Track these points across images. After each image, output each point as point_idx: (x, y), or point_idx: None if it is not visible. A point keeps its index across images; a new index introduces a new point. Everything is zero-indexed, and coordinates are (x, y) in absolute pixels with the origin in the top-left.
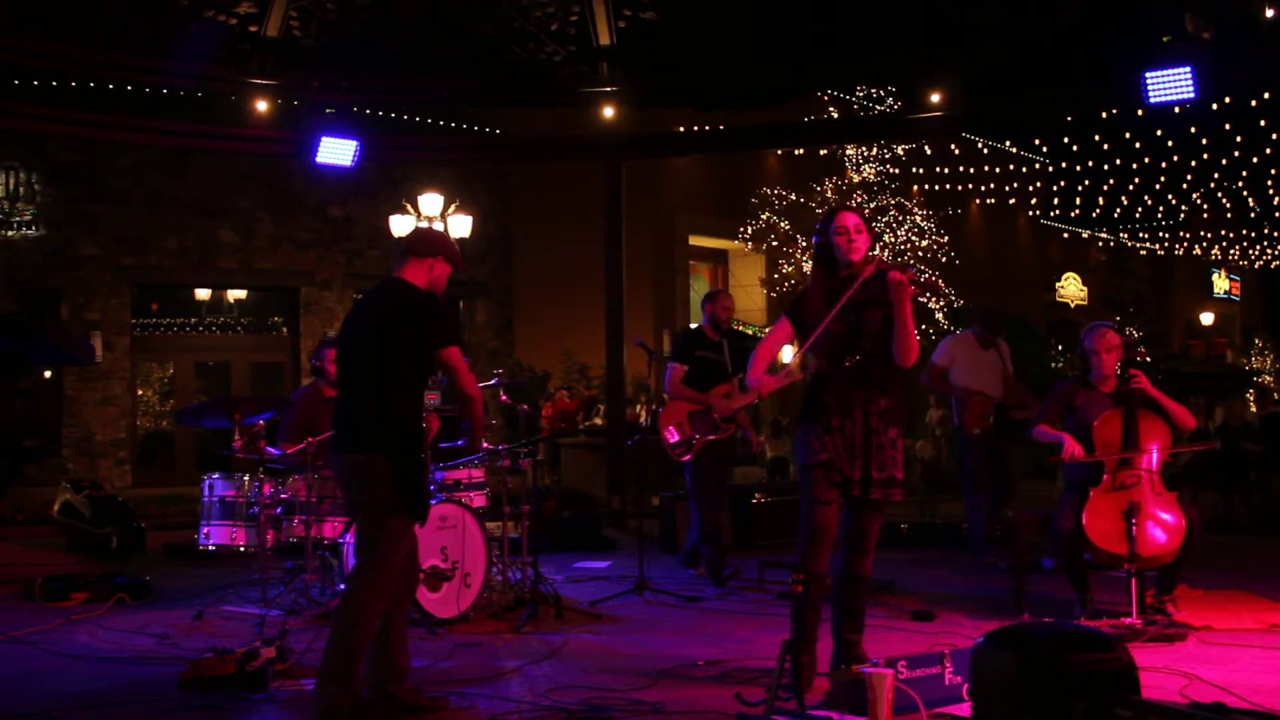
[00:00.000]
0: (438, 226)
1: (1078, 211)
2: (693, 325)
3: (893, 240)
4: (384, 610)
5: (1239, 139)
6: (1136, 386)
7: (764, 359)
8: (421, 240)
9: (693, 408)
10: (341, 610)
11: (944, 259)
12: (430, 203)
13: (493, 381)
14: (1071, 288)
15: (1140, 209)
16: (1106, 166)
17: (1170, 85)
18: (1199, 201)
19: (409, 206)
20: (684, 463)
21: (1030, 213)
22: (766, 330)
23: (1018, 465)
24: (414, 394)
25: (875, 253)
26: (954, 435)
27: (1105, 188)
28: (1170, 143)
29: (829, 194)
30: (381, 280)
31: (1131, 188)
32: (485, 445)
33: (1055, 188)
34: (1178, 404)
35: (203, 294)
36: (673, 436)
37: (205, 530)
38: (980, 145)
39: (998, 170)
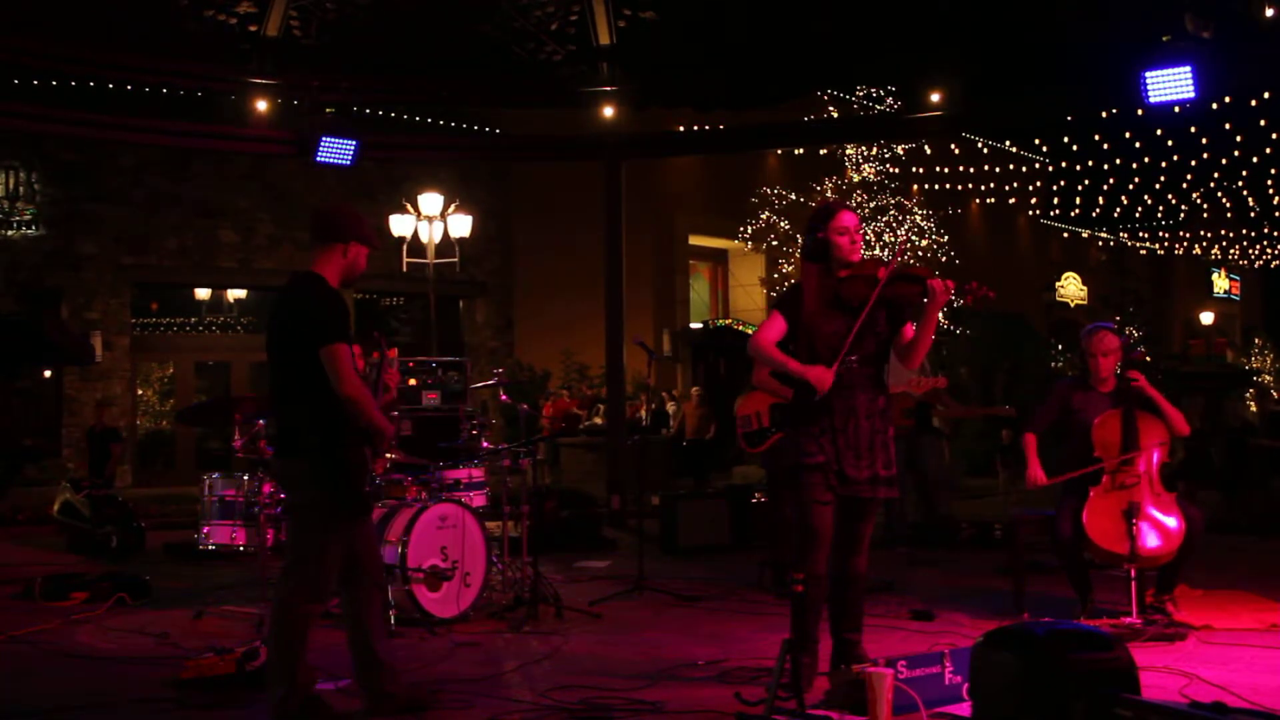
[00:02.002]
0: (438, 226)
1: (1078, 211)
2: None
3: (893, 240)
4: (315, 611)
5: (1239, 139)
6: (1135, 386)
7: (773, 353)
8: (329, 225)
9: (775, 400)
10: (273, 613)
11: (944, 259)
12: (430, 203)
13: (492, 381)
14: (1071, 288)
15: (1140, 209)
16: (1106, 166)
17: (1170, 85)
18: (1199, 201)
19: (409, 206)
20: (758, 454)
21: (1030, 213)
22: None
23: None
24: (323, 394)
25: (877, 253)
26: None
27: (1105, 188)
28: (1170, 143)
29: (829, 194)
30: (295, 275)
31: (1131, 188)
32: (484, 446)
33: (1055, 188)
34: (1174, 409)
35: (203, 294)
36: (749, 426)
37: (205, 530)
38: (980, 145)
39: (998, 170)
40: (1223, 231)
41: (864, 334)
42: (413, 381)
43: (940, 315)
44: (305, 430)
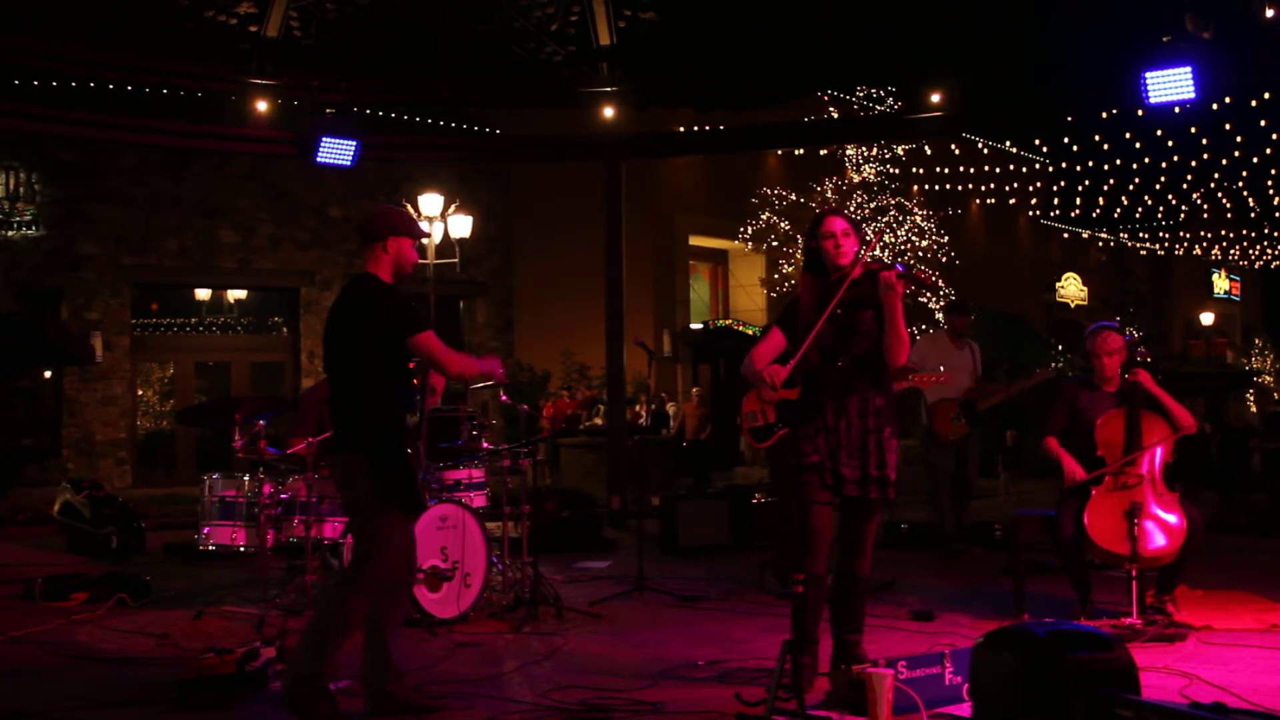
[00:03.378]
0: (438, 227)
1: (1078, 211)
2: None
3: (893, 240)
4: (367, 609)
5: (1239, 139)
6: (1134, 380)
7: (763, 361)
8: (371, 225)
9: (783, 395)
10: (321, 603)
11: (944, 259)
12: (430, 203)
13: (492, 382)
14: (1071, 288)
15: (1140, 209)
16: (1106, 166)
17: (1170, 85)
18: (1199, 201)
19: (409, 206)
20: (765, 449)
21: (1030, 213)
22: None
23: (982, 464)
24: (387, 391)
25: (863, 252)
26: (922, 432)
27: (1105, 188)
28: (1170, 143)
29: (829, 194)
30: (351, 277)
31: (1131, 188)
32: (485, 446)
33: (1055, 188)
34: (1180, 405)
35: (203, 294)
36: (755, 421)
37: (205, 530)
38: (980, 145)
39: (998, 170)
40: (1223, 232)
41: (849, 333)
42: (414, 381)
43: (940, 315)
44: (364, 427)
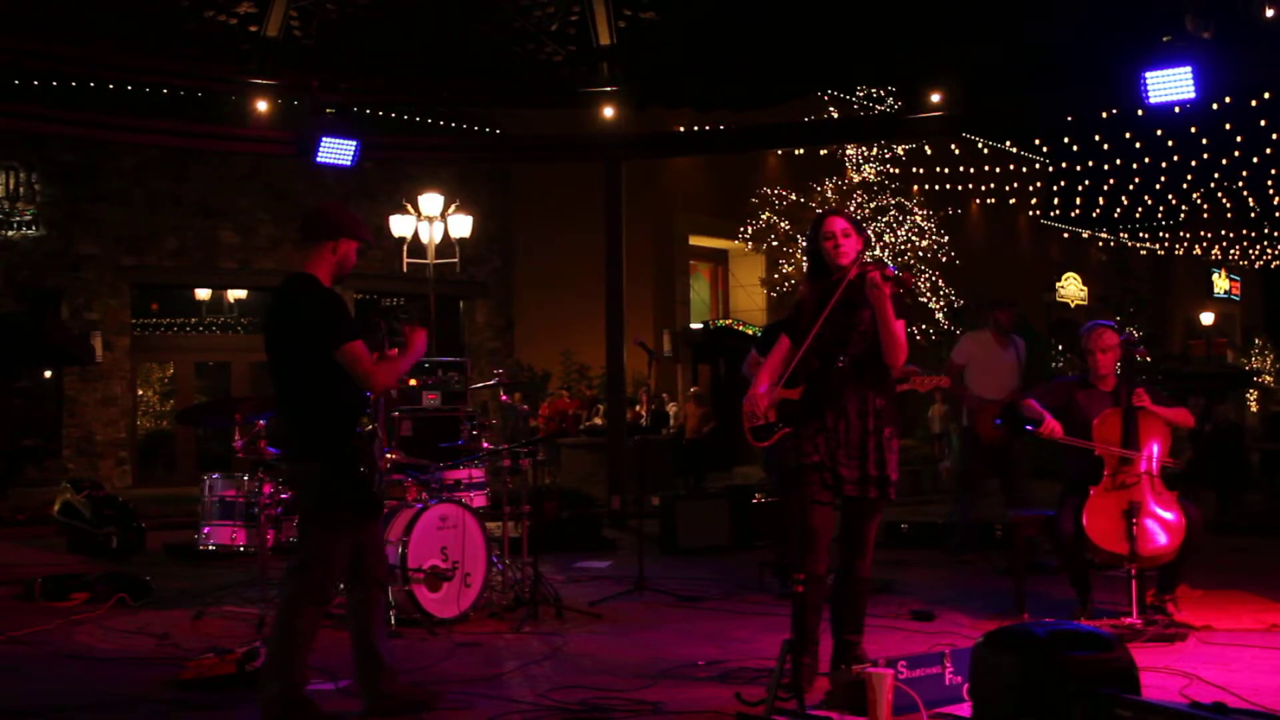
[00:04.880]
0: (438, 227)
1: (1078, 211)
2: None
3: (893, 240)
4: (319, 615)
5: (1239, 139)
6: (1139, 405)
7: (769, 375)
8: (325, 221)
9: (786, 396)
10: (278, 612)
11: (944, 259)
12: (430, 203)
13: (492, 382)
14: (1071, 288)
15: (1140, 209)
16: (1106, 166)
17: (1170, 85)
18: (1199, 201)
19: (409, 206)
20: (765, 449)
21: (1030, 213)
22: (758, 330)
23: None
24: (332, 395)
25: (864, 252)
26: (961, 433)
27: (1105, 188)
28: (1170, 143)
29: (829, 194)
30: (285, 276)
31: (1131, 188)
32: (485, 446)
33: (1055, 188)
34: (1175, 409)
35: (203, 294)
36: (755, 420)
37: (205, 530)
38: (980, 145)
39: (998, 170)
40: (1223, 231)
41: (848, 333)
42: (413, 382)
43: (940, 315)
44: (314, 432)
